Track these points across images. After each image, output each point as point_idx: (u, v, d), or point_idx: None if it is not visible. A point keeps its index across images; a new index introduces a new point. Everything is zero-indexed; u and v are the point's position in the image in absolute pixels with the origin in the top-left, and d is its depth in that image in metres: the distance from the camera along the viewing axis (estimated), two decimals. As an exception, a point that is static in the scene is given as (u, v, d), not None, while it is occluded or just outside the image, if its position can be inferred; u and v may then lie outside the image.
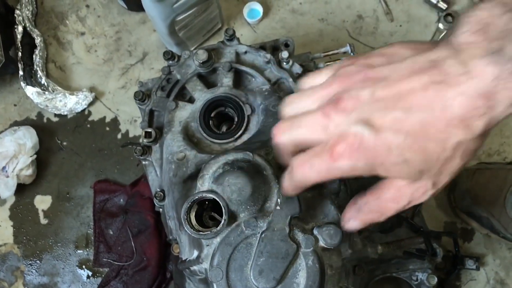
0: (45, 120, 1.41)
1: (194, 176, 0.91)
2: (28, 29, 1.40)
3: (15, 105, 1.42)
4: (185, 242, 0.81)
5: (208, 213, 0.73)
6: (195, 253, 0.74)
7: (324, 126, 0.53)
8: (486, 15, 0.47)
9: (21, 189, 1.34)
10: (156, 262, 1.25)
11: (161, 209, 1.05)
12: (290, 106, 0.62)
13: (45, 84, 1.37)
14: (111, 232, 1.31)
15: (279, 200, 0.65)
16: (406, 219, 0.93)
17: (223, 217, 0.66)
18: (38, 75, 1.38)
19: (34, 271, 1.32)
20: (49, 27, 1.47)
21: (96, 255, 1.31)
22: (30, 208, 1.35)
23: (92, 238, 1.32)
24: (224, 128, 1.17)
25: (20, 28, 1.39)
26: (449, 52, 0.49)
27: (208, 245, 0.69)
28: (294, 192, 0.61)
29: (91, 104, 1.39)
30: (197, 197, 0.67)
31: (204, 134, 1.01)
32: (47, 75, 1.41)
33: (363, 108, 0.50)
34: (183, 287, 1.04)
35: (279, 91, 1.07)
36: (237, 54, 1.08)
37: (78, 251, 1.33)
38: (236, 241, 0.66)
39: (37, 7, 1.47)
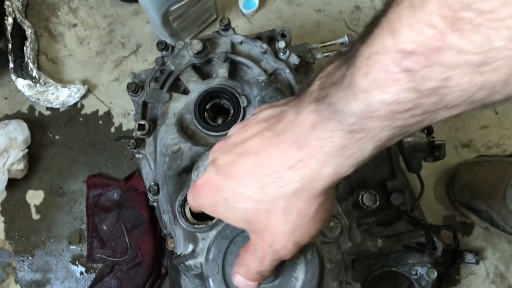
0: (36, 114, 1.38)
1: (189, 169, 0.89)
2: (18, 20, 1.37)
3: (5, 98, 1.39)
4: (180, 236, 0.79)
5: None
6: (190, 247, 0.71)
7: None
8: (331, 67, 0.45)
9: (13, 184, 1.31)
10: (151, 258, 1.22)
11: (155, 203, 1.03)
12: None
13: (37, 76, 1.34)
14: (105, 227, 1.29)
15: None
16: (406, 213, 0.91)
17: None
18: (29, 68, 1.35)
19: (26, 267, 1.29)
20: (40, 18, 1.43)
21: (90, 250, 1.28)
22: (22, 203, 1.33)
23: (86, 233, 1.29)
24: (219, 121, 1.15)
25: (10, 20, 1.36)
26: (295, 102, 0.48)
27: (203, 239, 0.67)
28: None
29: (83, 97, 1.36)
30: (191, 190, 0.65)
31: (199, 127, 0.99)
32: (39, 68, 1.38)
33: (215, 154, 0.54)
34: (178, 282, 1.02)
35: (276, 82, 1.05)
36: (233, 44, 1.06)
37: (71, 247, 1.30)
38: (233, 234, 0.63)
39: (28, -2, 1.44)
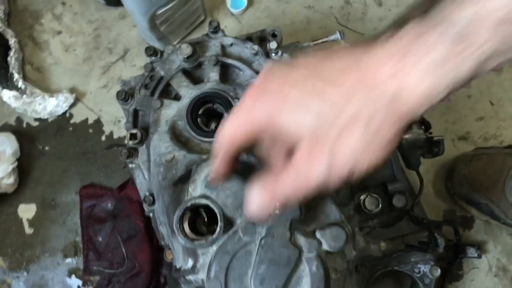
0: (24, 125, 1.34)
1: (184, 178, 0.87)
2: (1, 30, 1.33)
3: (-9, 110, 1.36)
4: (179, 250, 0.77)
5: (202, 219, 0.68)
6: (190, 262, 0.69)
7: None
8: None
9: (3, 198, 1.28)
10: (149, 268, 1.20)
11: (151, 214, 1.00)
12: None
13: (23, 87, 1.30)
14: (100, 239, 1.26)
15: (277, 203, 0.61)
16: (408, 213, 0.90)
17: (219, 224, 0.61)
18: (15, 78, 1.31)
19: (22, 283, 1.26)
20: (23, 27, 1.40)
21: (86, 263, 1.25)
22: (13, 218, 1.29)
23: (81, 245, 1.26)
24: (213, 125, 1.12)
25: (-8, 29, 1.32)
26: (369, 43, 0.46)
27: (203, 254, 0.65)
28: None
29: (72, 106, 1.33)
30: (189, 204, 0.63)
31: (193, 133, 0.96)
32: (24, 78, 1.34)
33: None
34: (179, 292, 1.00)
35: (269, 84, 1.03)
36: (223, 47, 1.03)
37: (67, 260, 1.27)
38: (234, 249, 0.61)
39: (10, 6, 1.40)
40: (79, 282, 1.25)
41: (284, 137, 0.48)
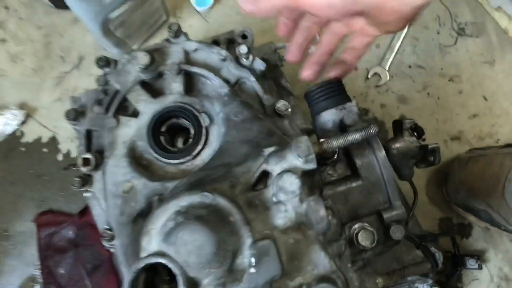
0: (-30, 147, 1.19)
1: (145, 212, 0.74)
2: None
3: None
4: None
5: (161, 277, 0.56)
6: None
7: None
8: None
9: (-51, 231, 1.13)
10: (118, 302, 1.07)
11: (112, 249, 0.87)
12: None
13: (-36, 105, 1.15)
14: (62, 271, 1.13)
15: (252, 259, 0.49)
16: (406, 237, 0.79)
17: (180, 288, 0.49)
18: (-45, 95, 1.16)
19: (-25, 327, 1.12)
20: (-37, 36, 1.24)
21: (47, 299, 1.12)
22: (-38, 253, 1.15)
23: (40, 280, 1.13)
24: (180, 142, 0.99)
25: None
26: None
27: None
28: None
29: (23, 123, 1.19)
30: (142, 265, 0.50)
31: (156, 155, 0.84)
32: (-34, 94, 1.19)
33: None
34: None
35: (241, 93, 0.90)
36: (186, 53, 0.90)
37: (26, 298, 1.14)
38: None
39: None
40: (41, 322, 1.12)
41: None
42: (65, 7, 1.21)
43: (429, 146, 0.89)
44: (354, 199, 0.69)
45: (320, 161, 0.63)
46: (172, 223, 0.52)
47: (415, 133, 0.89)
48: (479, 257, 1.08)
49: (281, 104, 0.87)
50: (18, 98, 1.21)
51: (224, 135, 0.80)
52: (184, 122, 0.89)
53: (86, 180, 0.88)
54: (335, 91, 0.78)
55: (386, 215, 0.69)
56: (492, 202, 1.06)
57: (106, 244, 0.85)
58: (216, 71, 0.90)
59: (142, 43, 1.20)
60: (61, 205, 1.16)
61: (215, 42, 0.95)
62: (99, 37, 1.08)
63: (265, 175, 0.60)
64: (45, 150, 1.19)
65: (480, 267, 1.08)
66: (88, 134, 0.90)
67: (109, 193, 0.81)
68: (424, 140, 0.99)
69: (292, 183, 0.55)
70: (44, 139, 1.19)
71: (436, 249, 0.93)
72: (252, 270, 0.49)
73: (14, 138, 1.19)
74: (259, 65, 0.90)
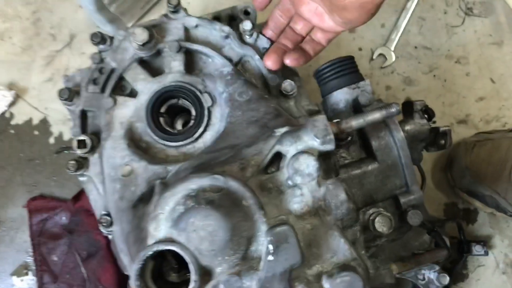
0: (-44, 130, 1.14)
1: (146, 197, 0.70)
2: None
3: None
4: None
5: (169, 263, 0.52)
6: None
7: None
8: None
9: None
10: (114, 290, 1.04)
11: (110, 236, 0.83)
12: None
13: (-51, 85, 1.10)
14: (56, 258, 1.09)
15: (270, 246, 0.45)
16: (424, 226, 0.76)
17: (192, 278, 0.45)
18: None
19: (-34, 316, 1.08)
20: None
21: (41, 287, 1.08)
22: (-49, 240, 1.10)
23: (33, 267, 1.08)
24: (179, 123, 0.95)
25: None
26: None
27: (174, 313, 0.48)
28: None
29: (12, 104, 1.14)
30: (150, 253, 0.46)
31: (155, 137, 0.80)
32: (-49, 74, 1.13)
33: None
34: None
35: (244, 72, 0.86)
36: (186, 30, 0.86)
37: (19, 284, 1.09)
38: (213, 310, 0.45)
39: None
40: (34, 310, 1.08)
41: None
42: (55, -18, 1.15)
43: (441, 129, 0.86)
44: (369, 183, 0.65)
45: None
46: (181, 207, 0.48)
47: (426, 115, 0.85)
48: (485, 243, 1.06)
49: (287, 84, 0.83)
50: (7, 78, 1.15)
51: (228, 116, 0.76)
52: (185, 102, 0.85)
53: (82, 164, 0.84)
54: (348, 69, 0.74)
55: (403, 200, 0.65)
56: (499, 188, 1.03)
57: (104, 230, 0.81)
58: (218, 49, 0.86)
59: (137, 20, 1.15)
60: (53, 190, 1.12)
61: (216, 18, 0.91)
62: (92, 13, 1.02)
63: (277, 157, 0.56)
64: (36, 132, 1.14)
65: (486, 253, 1.06)
66: (83, 115, 0.85)
67: (107, 177, 0.77)
68: (434, 122, 0.96)
69: (309, 165, 0.51)
70: (35, 121, 1.14)
71: (444, 236, 0.91)
72: (270, 257, 0.45)
73: (3, 119, 1.14)
74: (264, 42, 0.86)
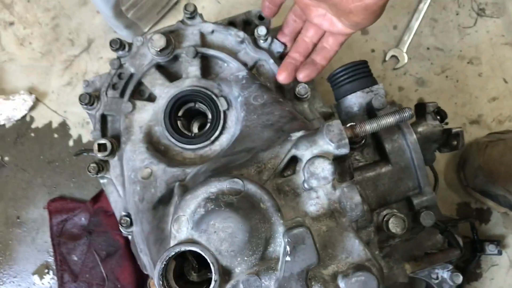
0: (-21, 133, 1.17)
1: (165, 199, 0.72)
2: None
3: None
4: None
5: (190, 263, 0.54)
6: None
7: None
8: None
9: (-40, 219, 1.12)
10: (133, 289, 1.06)
11: (130, 236, 0.86)
12: None
13: (-28, 90, 1.13)
14: (75, 258, 1.11)
15: (287, 247, 0.47)
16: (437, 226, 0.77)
17: (213, 278, 0.47)
18: (-37, 80, 1.14)
19: (-11, 313, 1.12)
20: (-31, 19, 1.21)
21: (61, 286, 1.11)
22: (-26, 240, 1.14)
23: (54, 266, 1.12)
24: (195, 127, 0.97)
25: None
26: None
27: (196, 311, 0.51)
28: None
29: (32, 108, 1.17)
30: (173, 253, 0.48)
31: (173, 140, 0.82)
32: (-26, 79, 1.17)
33: None
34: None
35: (259, 76, 0.88)
36: (202, 35, 0.88)
37: (40, 284, 1.13)
38: (236, 312, 0.48)
39: (-49, -4, 1.21)
40: (55, 308, 1.11)
41: None
42: (73, -12, 1.18)
43: (453, 130, 0.87)
44: (383, 185, 0.67)
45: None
46: (202, 210, 0.50)
47: (438, 117, 0.87)
48: (499, 242, 1.06)
49: (301, 87, 0.84)
50: (27, 82, 1.18)
51: (244, 120, 0.78)
52: (201, 106, 0.87)
53: (102, 166, 0.87)
54: (361, 73, 0.75)
55: (416, 201, 0.67)
56: (511, 187, 1.04)
57: (123, 231, 0.84)
58: (233, 53, 0.88)
59: (153, 25, 1.17)
60: (72, 192, 1.15)
61: (231, 23, 0.93)
62: (110, 19, 1.05)
63: (293, 160, 0.58)
64: (55, 135, 1.17)
65: (499, 253, 1.06)
66: (103, 119, 0.88)
67: (127, 179, 0.79)
68: (447, 124, 0.97)
69: (325, 168, 0.53)
70: (54, 124, 1.17)
71: (456, 236, 0.91)
72: (288, 258, 0.47)
73: (23, 123, 1.17)
74: (278, 47, 0.87)
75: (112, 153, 0.85)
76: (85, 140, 1.16)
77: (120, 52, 0.88)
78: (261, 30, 0.85)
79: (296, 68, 0.79)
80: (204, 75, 0.86)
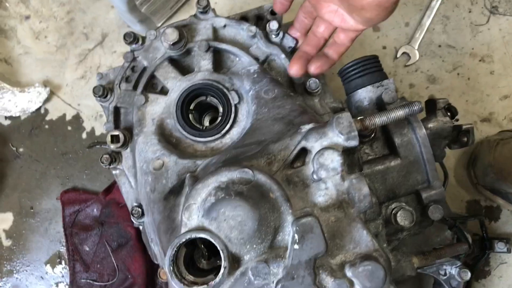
0: (-6, 125, 1.20)
1: (176, 189, 0.74)
2: (-41, 17, 1.17)
3: (-44, 109, 1.20)
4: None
5: (200, 251, 0.55)
6: (189, 301, 0.56)
7: None
8: None
9: (-24, 208, 1.14)
10: (143, 279, 1.08)
11: (140, 227, 0.87)
12: None
13: (-12, 81, 1.15)
14: (87, 248, 1.13)
15: (296, 235, 0.48)
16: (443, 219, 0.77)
17: (222, 264, 0.48)
18: (-21, 72, 1.16)
19: (2, 301, 1.14)
20: (-14, 12, 1.23)
21: (73, 275, 1.13)
22: (-11, 229, 1.16)
23: (66, 256, 1.14)
24: (206, 120, 0.98)
25: (-51, 17, 1.16)
26: None
27: (206, 295, 0.51)
28: None
29: (46, 100, 1.19)
30: (184, 240, 0.49)
31: (184, 132, 0.83)
32: (-10, 71, 1.19)
33: None
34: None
35: (270, 71, 0.89)
36: (215, 30, 0.89)
37: (52, 273, 1.15)
38: (245, 294, 0.49)
39: (-31, -10, 1.23)
40: (66, 297, 1.13)
41: None
42: (88, -17, 1.20)
43: (463, 127, 0.87)
44: (392, 178, 0.67)
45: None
46: (213, 198, 0.51)
47: (449, 113, 0.87)
48: (508, 240, 1.06)
49: (312, 82, 0.85)
50: (42, 75, 1.21)
51: (255, 113, 0.79)
52: (213, 100, 0.88)
53: (115, 158, 0.88)
54: (372, 68, 0.76)
55: (425, 195, 0.67)
56: (522, 186, 1.04)
57: (135, 221, 0.85)
58: (245, 48, 0.89)
59: (167, 20, 1.18)
60: (85, 183, 1.17)
61: (244, 18, 0.93)
62: (124, 13, 1.06)
63: (303, 152, 0.59)
64: (69, 128, 1.19)
65: (509, 251, 1.06)
66: (116, 111, 0.89)
67: (140, 170, 0.81)
68: (457, 120, 0.97)
69: (334, 160, 0.54)
70: (68, 117, 1.19)
71: (465, 232, 0.92)
72: (296, 246, 0.48)
73: (38, 115, 1.19)
74: (289, 42, 0.88)
75: (125, 144, 0.86)
76: (98, 132, 1.18)
77: (134, 46, 0.89)
78: (273, 25, 0.86)
79: (308, 62, 0.79)
80: (216, 69, 0.86)
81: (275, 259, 0.49)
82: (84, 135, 1.18)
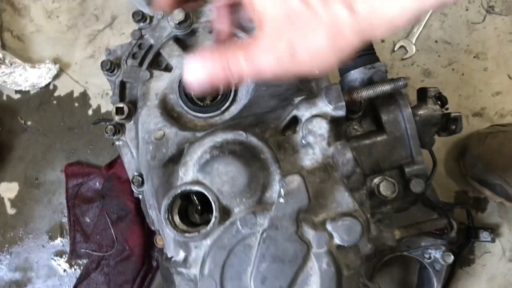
0: (4, 98, 1.25)
1: (175, 158, 0.78)
2: (-24, -7, 1.22)
3: (-31, 82, 1.25)
4: (170, 239, 0.68)
5: (194, 206, 0.60)
6: (182, 254, 0.61)
7: None
8: None
9: (-17, 177, 1.19)
10: (140, 251, 1.12)
11: (140, 196, 0.92)
12: None
13: (1, 56, 1.20)
14: (88, 220, 1.18)
15: (282, 190, 0.52)
16: (423, 196, 0.82)
17: (213, 214, 0.53)
18: (-7, 47, 1.21)
19: (4, 266, 1.19)
20: (1, -10, 1.28)
21: (73, 245, 1.18)
22: (-5, 198, 1.21)
23: (67, 227, 1.18)
24: (208, 99, 1.03)
25: (-34, -7, 1.21)
26: None
27: (196, 247, 0.56)
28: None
29: (56, 77, 1.23)
30: (179, 191, 0.54)
31: (186, 108, 0.87)
32: (3, 46, 1.24)
33: None
34: (171, 278, 0.92)
35: (270, 54, 0.93)
36: (219, 12, 0.93)
37: (53, 242, 1.20)
38: (231, 243, 0.53)
39: (-14, -32, 1.28)
40: (66, 265, 1.18)
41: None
42: (101, -34, 1.25)
43: (452, 114, 0.91)
44: (377, 153, 0.72)
45: (347, 115, 0.65)
46: (208, 155, 0.56)
47: (439, 102, 0.91)
48: (493, 230, 1.10)
49: (309, 66, 0.89)
50: (52, 53, 1.25)
51: (253, 90, 0.83)
52: (215, 79, 0.92)
53: (118, 129, 0.93)
54: (365, 51, 0.80)
55: (407, 169, 0.71)
56: (508, 178, 1.07)
57: (135, 190, 0.90)
58: (248, 31, 0.93)
59: (174, 5, 1.23)
60: (89, 157, 1.21)
61: (248, 3, 0.98)
62: (134, -5, 1.11)
63: (294, 122, 0.63)
64: (76, 104, 1.23)
65: (493, 240, 1.10)
66: (122, 85, 0.94)
67: (141, 140, 0.85)
68: (447, 109, 1.01)
69: (321, 127, 0.58)
70: (76, 94, 1.24)
71: (449, 216, 0.96)
72: (281, 200, 0.52)
73: (47, 91, 1.24)
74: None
75: (129, 117, 0.91)
76: (103, 110, 1.23)
77: (142, 24, 0.93)
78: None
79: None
80: (219, 49, 0.91)
81: (262, 211, 0.54)
82: (90, 112, 1.23)
